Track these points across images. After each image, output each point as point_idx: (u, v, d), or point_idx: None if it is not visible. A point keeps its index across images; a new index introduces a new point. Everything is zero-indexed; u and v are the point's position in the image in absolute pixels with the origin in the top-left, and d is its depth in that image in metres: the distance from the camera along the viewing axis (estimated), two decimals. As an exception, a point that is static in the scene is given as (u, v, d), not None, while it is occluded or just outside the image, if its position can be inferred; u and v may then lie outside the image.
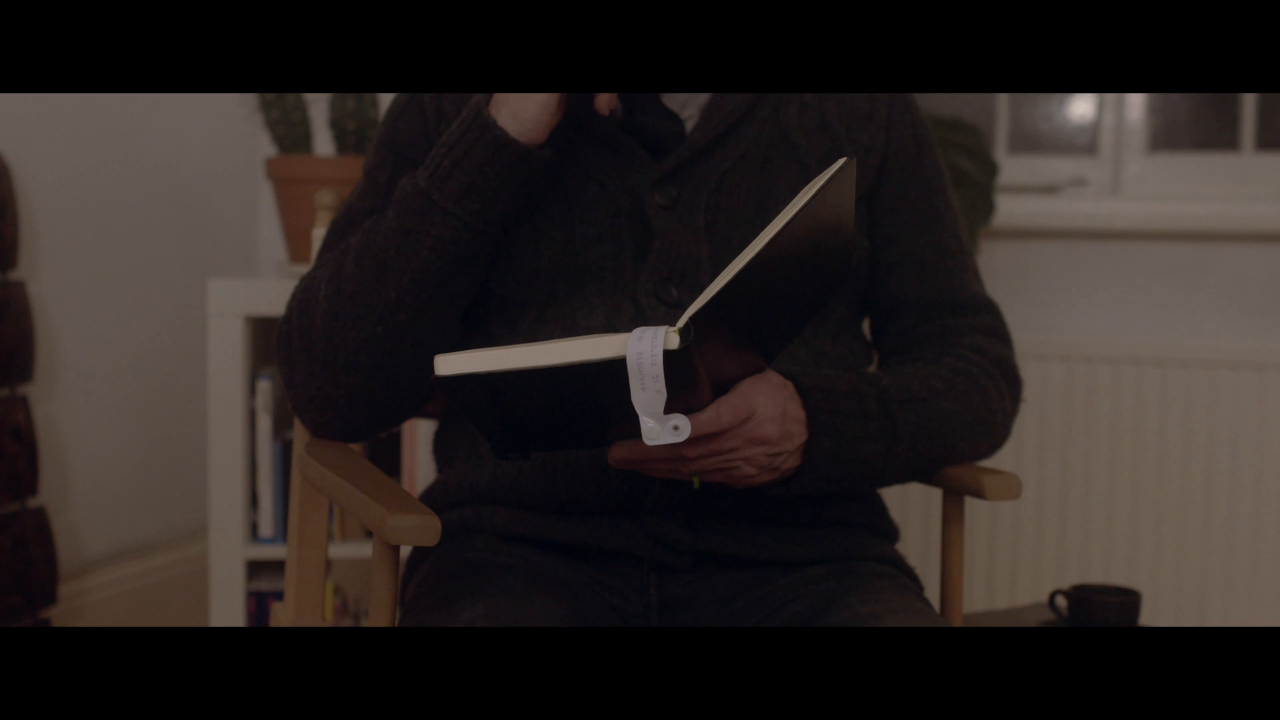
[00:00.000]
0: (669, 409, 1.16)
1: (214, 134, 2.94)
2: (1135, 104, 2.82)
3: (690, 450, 1.23)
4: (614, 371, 1.13)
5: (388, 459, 2.43)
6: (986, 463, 1.49)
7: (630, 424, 1.18)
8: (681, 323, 1.11)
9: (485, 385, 1.16)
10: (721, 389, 1.24)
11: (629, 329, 1.35)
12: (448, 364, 1.16)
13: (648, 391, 1.12)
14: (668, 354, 1.11)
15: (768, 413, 1.26)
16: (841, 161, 1.19)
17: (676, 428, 1.16)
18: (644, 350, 1.11)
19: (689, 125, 1.44)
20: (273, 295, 2.32)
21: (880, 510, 1.50)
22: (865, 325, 1.56)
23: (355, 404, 1.41)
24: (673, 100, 1.45)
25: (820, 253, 1.25)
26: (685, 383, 1.16)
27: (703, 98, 1.45)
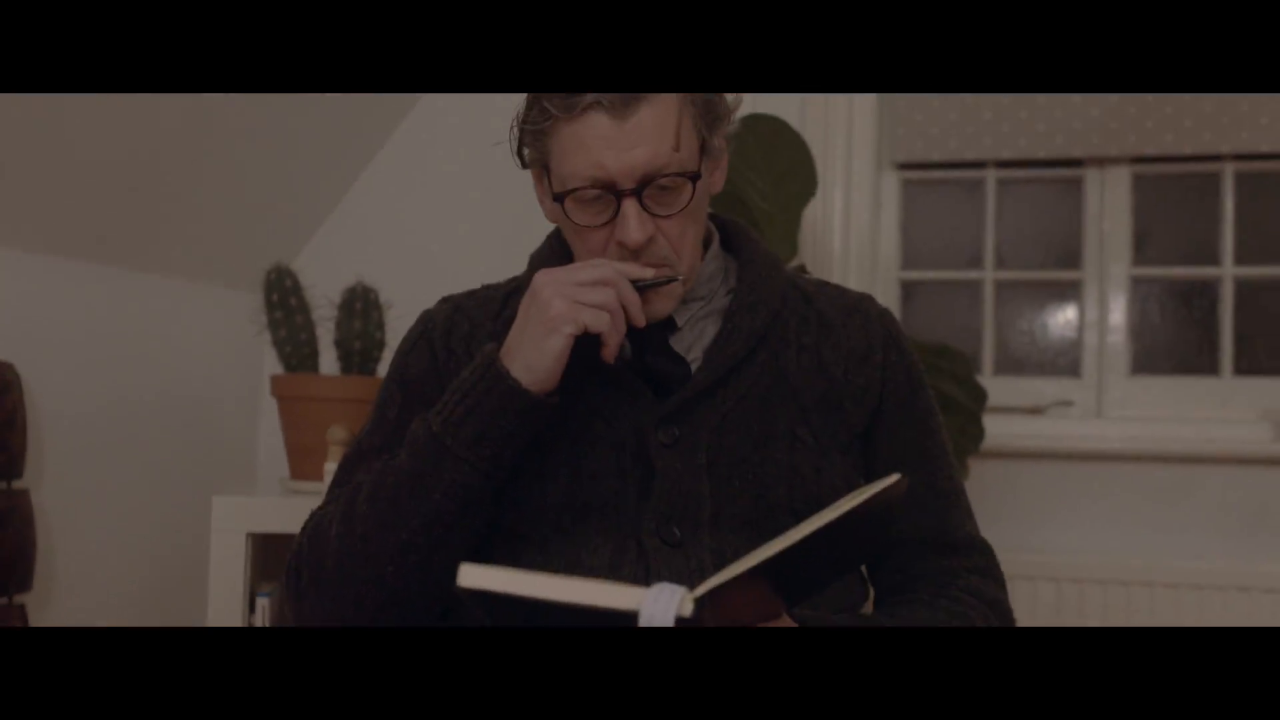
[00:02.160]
0: None
1: (218, 350, 3.00)
2: (1117, 328, 2.90)
3: None
4: (625, 619, 1.16)
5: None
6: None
7: None
8: (699, 593, 1.14)
9: (504, 600, 1.19)
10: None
11: (633, 570, 1.38)
12: (471, 577, 1.18)
13: None
14: (681, 618, 1.14)
15: None
16: (893, 478, 1.20)
17: None
18: (657, 612, 1.13)
19: (694, 367, 1.49)
20: (274, 513, 2.35)
21: None
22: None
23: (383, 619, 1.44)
24: (679, 343, 1.50)
25: (859, 542, 1.27)
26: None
27: (707, 340, 1.51)
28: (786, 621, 1.31)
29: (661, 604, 1.13)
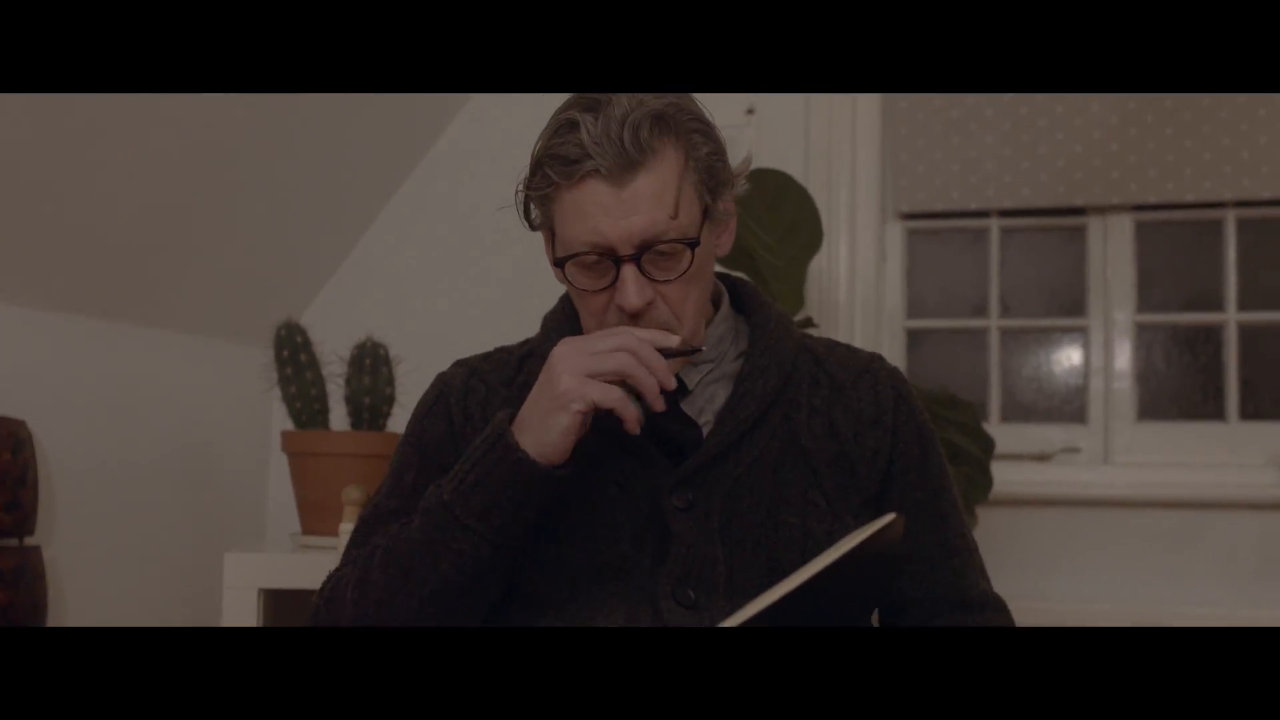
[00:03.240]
0: None
1: (228, 406, 3.01)
2: (1123, 374, 2.91)
3: None
4: None
5: None
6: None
7: None
8: None
9: None
10: None
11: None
12: None
13: None
14: None
15: None
16: (889, 518, 1.23)
17: None
18: None
19: (705, 430, 1.51)
20: (286, 569, 2.36)
21: None
22: (874, 617, 1.60)
23: None
24: (690, 406, 1.52)
25: (862, 585, 1.29)
26: None
27: (718, 404, 1.52)
28: None
29: None
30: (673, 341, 1.42)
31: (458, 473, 1.42)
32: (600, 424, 1.46)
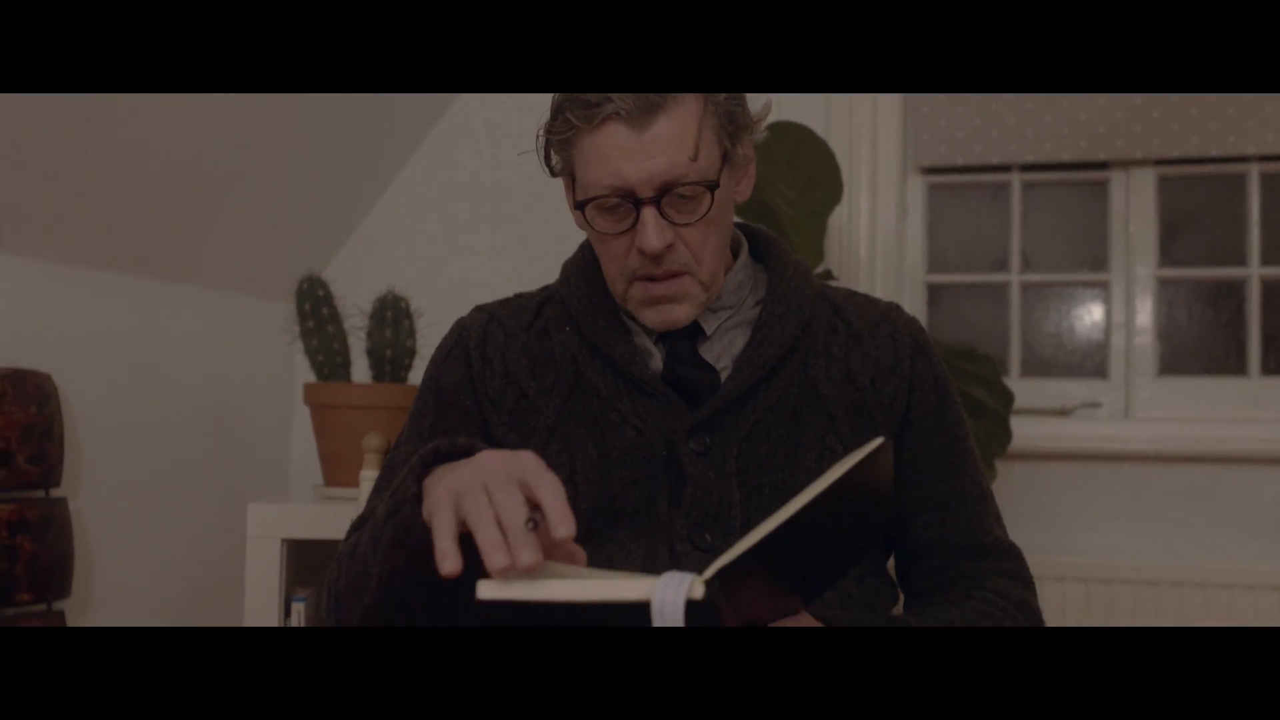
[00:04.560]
0: None
1: (252, 360, 3.03)
2: (1144, 329, 2.90)
3: None
4: (640, 611, 1.17)
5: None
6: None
7: None
8: (708, 575, 1.16)
9: (525, 609, 1.19)
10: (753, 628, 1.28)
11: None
12: (490, 590, 1.18)
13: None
14: (694, 603, 1.16)
15: None
16: (877, 443, 1.23)
17: None
18: (668, 597, 1.15)
19: (723, 376, 1.51)
20: (309, 519, 2.38)
21: None
22: (890, 564, 1.61)
23: None
24: (709, 352, 1.52)
25: (858, 519, 1.29)
26: (710, 625, 1.20)
27: (736, 350, 1.53)
28: (808, 620, 1.32)
29: (672, 589, 1.15)
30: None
31: (390, 487, 1.35)
32: (618, 367, 1.47)
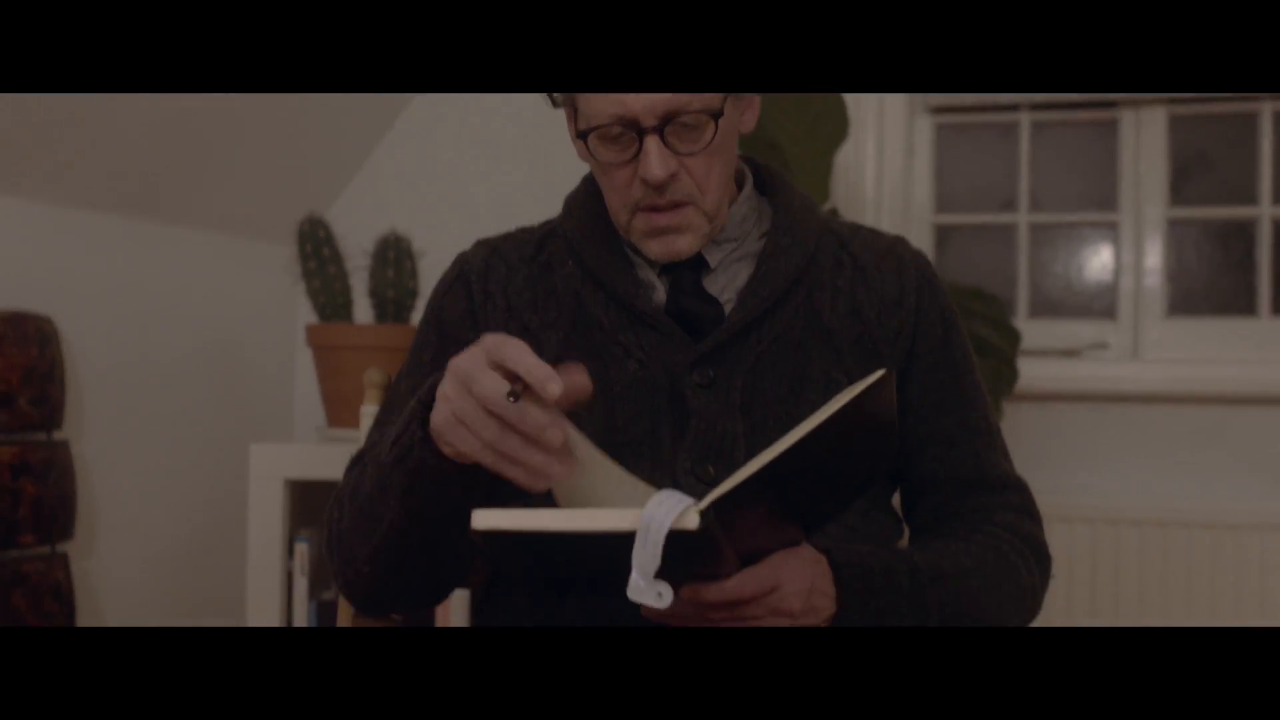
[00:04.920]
0: (689, 579, 1.20)
1: (254, 300, 3.02)
2: (1153, 269, 2.88)
3: (714, 614, 1.26)
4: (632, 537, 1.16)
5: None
6: (1014, 629, 1.51)
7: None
8: (704, 505, 1.14)
9: (521, 541, 1.18)
10: (754, 558, 1.27)
11: None
12: (484, 519, 1.18)
13: (646, 552, 1.15)
14: (690, 532, 1.14)
15: (793, 587, 1.29)
16: (879, 374, 1.22)
17: (660, 594, 1.17)
18: (657, 515, 1.14)
19: (727, 309, 1.50)
20: (311, 460, 2.37)
21: None
22: (895, 499, 1.60)
23: (381, 602, 1.47)
24: (713, 284, 1.51)
25: (860, 452, 1.28)
26: (707, 555, 1.19)
27: (740, 282, 1.51)
28: (810, 551, 1.32)
29: (664, 509, 1.14)
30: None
31: (392, 433, 1.36)
32: (622, 300, 1.45)
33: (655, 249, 1.48)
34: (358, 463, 1.51)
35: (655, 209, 1.45)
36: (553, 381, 1.17)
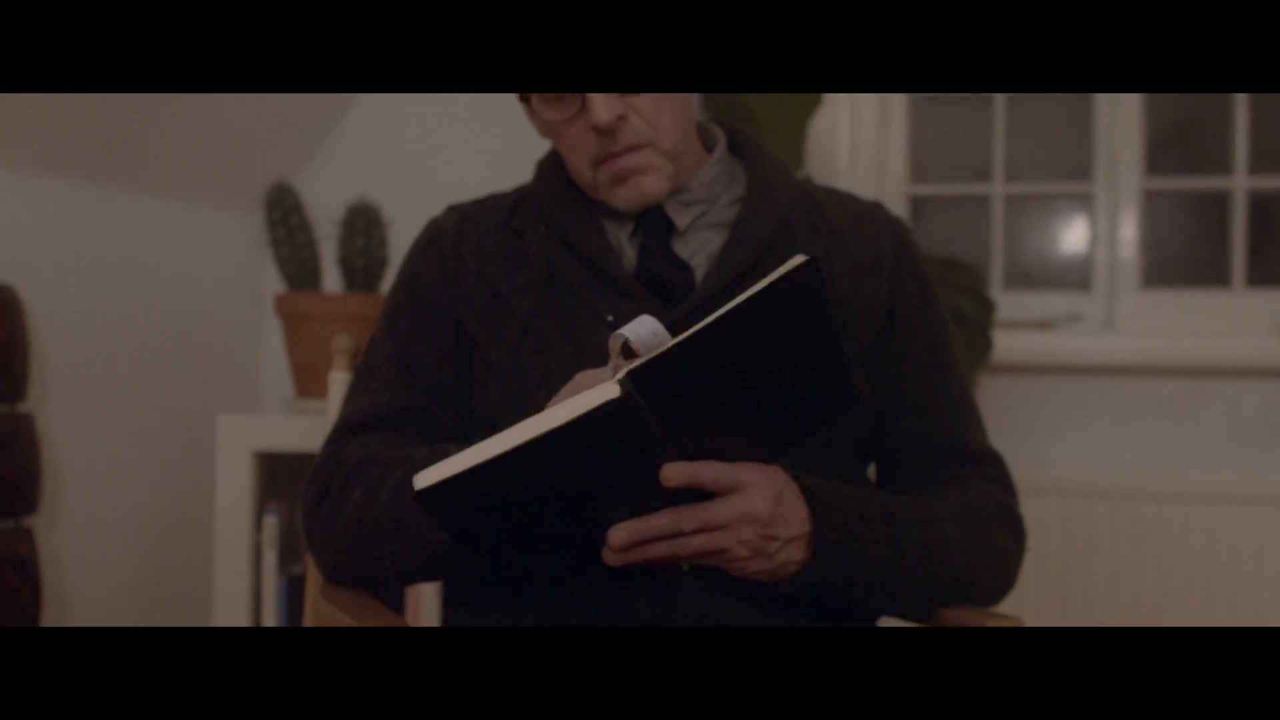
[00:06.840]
0: (640, 494, 1.20)
1: (221, 269, 2.98)
2: (1128, 241, 2.87)
3: (686, 523, 1.23)
4: (593, 436, 1.12)
5: (392, 595, 2.43)
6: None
7: (622, 507, 1.19)
8: (620, 374, 1.12)
9: (468, 489, 1.15)
10: None
11: None
12: (425, 477, 1.15)
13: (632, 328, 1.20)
14: (611, 403, 1.11)
15: (760, 490, 1.26)
16: (797, 260, 1.15)
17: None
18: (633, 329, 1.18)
19: (699, 274, 1.47)
20: (280, 431, 2.34)
21: None
22: (871, 472, 1.58)
23: (357, 582, 1.46)
24: (683, 249, 1.48)
25: (796, 352, 1.22)
26: (643, 441, 1.16)
27: (713, 247, 1.49)
28: (777, 469, 1.29)
29: (631, 328, 1.19)
30: None
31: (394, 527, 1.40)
32: (593, 264, 1.43)
33: (623, 195, 1.46)
34: (341, 435, 1.48)
35: (614, 156, 1.44)
36: None
